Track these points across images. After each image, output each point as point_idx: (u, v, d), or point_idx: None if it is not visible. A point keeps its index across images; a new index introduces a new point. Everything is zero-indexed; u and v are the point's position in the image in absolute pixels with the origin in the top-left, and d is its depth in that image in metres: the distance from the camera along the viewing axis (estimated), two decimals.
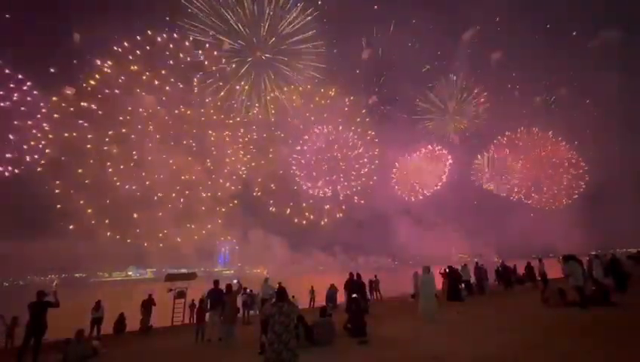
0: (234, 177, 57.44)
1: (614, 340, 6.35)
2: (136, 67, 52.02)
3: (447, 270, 14.96)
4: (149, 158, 51.42)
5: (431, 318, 9.66)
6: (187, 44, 55.08)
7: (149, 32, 52.72)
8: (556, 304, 10.47)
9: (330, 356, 6.86)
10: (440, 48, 72.31)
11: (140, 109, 52.11)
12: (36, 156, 46.58)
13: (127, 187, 49.66)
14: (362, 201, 64.19)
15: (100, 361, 8.48)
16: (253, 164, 58.82)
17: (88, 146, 48.47)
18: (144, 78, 52.57)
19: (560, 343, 6.43)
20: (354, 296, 8.82)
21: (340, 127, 62.97)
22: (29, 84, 47.82)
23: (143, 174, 50.93)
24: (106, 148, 49.45)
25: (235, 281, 9.64)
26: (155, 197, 51.45)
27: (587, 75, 67.11)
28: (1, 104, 46.31)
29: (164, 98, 53.69)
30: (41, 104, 47.73)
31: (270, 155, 60.18)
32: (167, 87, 53.97)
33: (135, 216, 50.49)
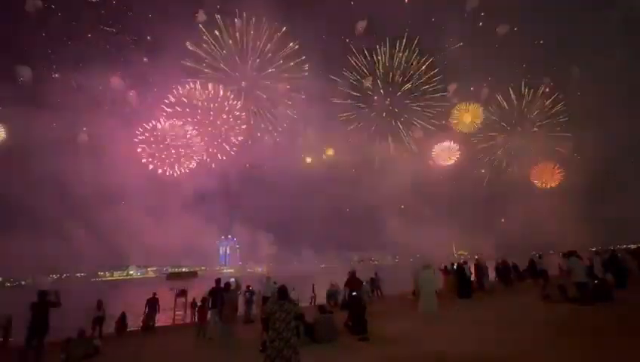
0: None
1: (615, 336, 6.36)
2: None
3: (456, 267, 14.93)
4: None
5: (431, 315, 9.67)
6: None
7: None
8: (557, 300, 10.50)
9: (332, 353, 6.88)
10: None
11: None
12: None
13: None
14: None
15: (101, 360, 8.51)
16: None
17: None
18: None
19: (561, 340, 6.44)
20: (354, 293, 8.85)
21: None
22: None
23: None
24: None
25: (232, 280, 9.63)
26: None
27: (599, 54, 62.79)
28: None
29: None
30: None
31: None
32: None
33: None
